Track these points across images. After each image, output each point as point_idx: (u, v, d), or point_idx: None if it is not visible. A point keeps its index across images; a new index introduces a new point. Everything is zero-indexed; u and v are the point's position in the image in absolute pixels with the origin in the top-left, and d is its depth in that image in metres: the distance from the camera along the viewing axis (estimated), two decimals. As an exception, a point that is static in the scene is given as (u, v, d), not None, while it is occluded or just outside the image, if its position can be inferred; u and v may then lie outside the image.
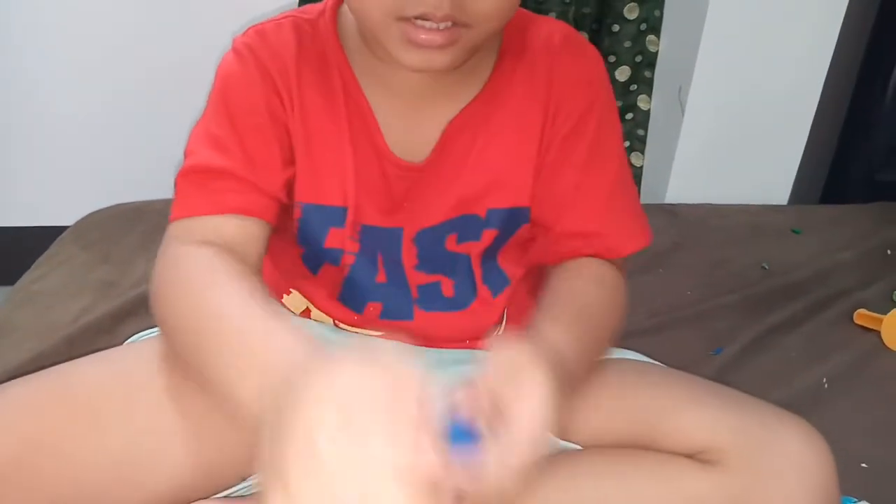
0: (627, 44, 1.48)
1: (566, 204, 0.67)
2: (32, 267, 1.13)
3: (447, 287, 0.71)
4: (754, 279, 1.25)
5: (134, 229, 1.20)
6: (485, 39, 0.60)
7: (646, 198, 1.51)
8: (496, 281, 0.72)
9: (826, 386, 0.99)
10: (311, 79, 0.65)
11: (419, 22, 0.56)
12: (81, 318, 0.99)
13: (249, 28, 0.67)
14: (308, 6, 0.69)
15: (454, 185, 0.67)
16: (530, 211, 0.69)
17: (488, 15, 0.57)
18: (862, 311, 1.14)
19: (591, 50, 0.70)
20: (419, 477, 0.37)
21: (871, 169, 1.64)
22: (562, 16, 1.43)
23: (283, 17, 0.67)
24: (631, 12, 1.46)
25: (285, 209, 0.66)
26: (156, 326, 0.63)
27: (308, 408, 0.38)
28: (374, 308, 0.72)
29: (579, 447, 0.66)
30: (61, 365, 0.64)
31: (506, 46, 0.67)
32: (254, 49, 0.64)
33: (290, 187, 0.66)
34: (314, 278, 0.72)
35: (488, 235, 0.69)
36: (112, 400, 0.60)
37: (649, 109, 1.53)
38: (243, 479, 0.63)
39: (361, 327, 0.73)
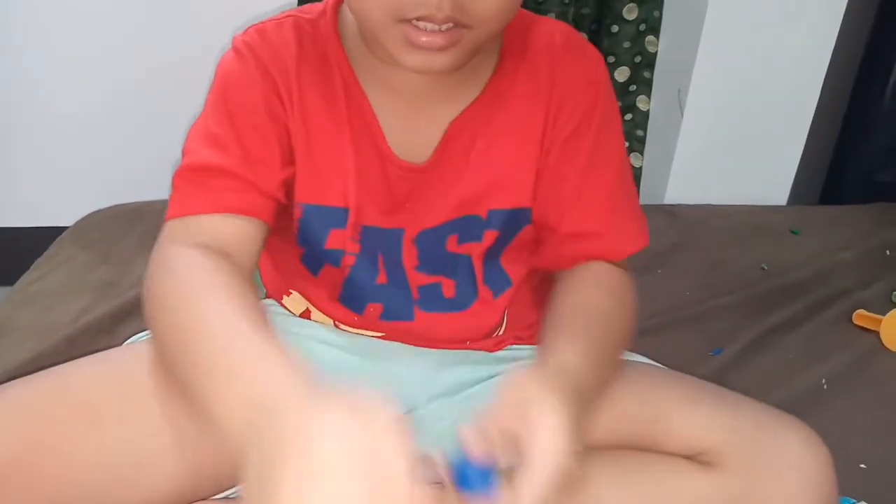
0: (626, 44, 1.48)
1: (568, 205, 0.67)
2: (32, 267, 1.13)
3: (448, 288, 0.71)
4: (753, 280, 1.25)
5: (134, 229, 1.21)
6: (486, 40, 0.60)
7: (645, 198, 1.51)
8: (497, 282, 0.72)
9: (825, 386, 0.99)
10: (312, 79, 0.65)
11: (420, 24, 0.55)
12: (81, 318, 0.99)
13: (250, 27, 0.66)
14: (308, 6, 0.68)
15: (455, 186, 0.67)
16: (532, 212, 0.69)
17: (489, 16, 0.57)
18: (861, 311, 1.14)
19: (593, 51, 0.70)
20: None
21: (869, 169, 1.64)
22: (561, 16, 1.44)
23: (283, 17, 0.67)
24: (630, 13, 1.46)
25: (285, 210, 0.66)
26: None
27: (295, 466, 0.39)
28: (374, 309, 0.72)
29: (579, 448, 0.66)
30: (61, 365, 0.64)
31: (507, 47, 0.67)
32: (254, 48, 0.64)
33: (288, 187, 0.65)
34: (314, 279, 0.72)
35: (489, 236, 0.69)
36: (111, 400, 0.60)
37: (648, 110, 1.53)
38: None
39: (362, 328, 0.73)
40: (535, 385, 0.49)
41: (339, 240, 0.68)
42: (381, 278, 0.70)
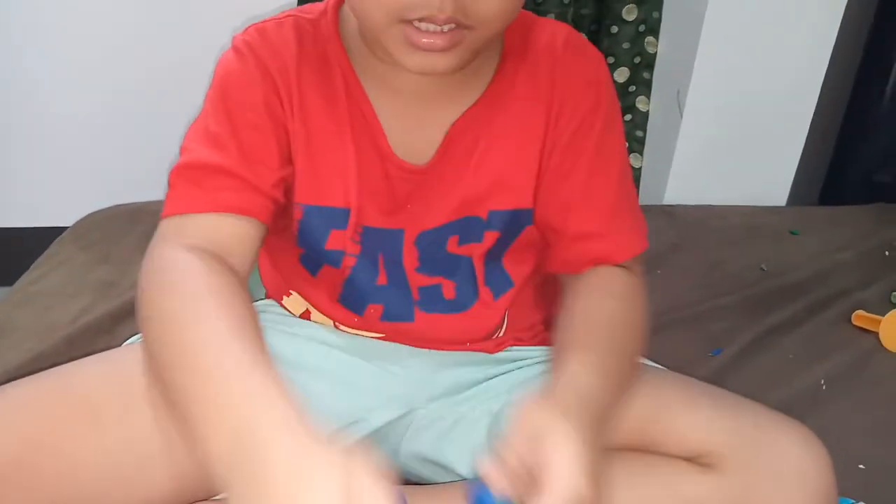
0: (626, 45, 1.48)
1: (572, 206, 0.66)
2: (32, 267, 1.13)
3: (448, 289, 0.71)
4: (753, 280, 1.25)
5: (133, 230, 1.21)
6: (487, 41, 0.59)
7: (644, 199, 1.51)
8: (499, 283, 0.72)
9: (824, 387, 0.99)
10: (312, 79, 0.64)
11: (422, 25, 0.55)
12: (81, 318, 0.99)
13: (249, 26, 0.66)
14: (309, 5, 0.68)
15: (456, 187, 0.67)
16: (533, 212, 0.68)
17: (491, 17, 0.56)
18: (860, 312, 1.14)
19: (594, 51, 0.70)
20: None
21: (869, 170, 1.64)
22: (560, 17, 1.44)
23: (283, 17, 0.67)
24: (629, 14, 1.46)
25: (284, 210, 0.66)
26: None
27: None
28: (374, 310, 0.71)
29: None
30: (61, 366, 0.64)
31: (508, 48, 0.67)
32: (254, 47, 0.64)
33: (286, 187, 0.65)
34: (313, 280, 0.72)
35: (490, 237, 0.69)
36: (112, 400, 0.60)
37: (648, 111, 1.53)
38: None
39: (362, 329, 0.73)
40: (546, 413, 0.49)
41: (339, 241, 0.68)
42: (382, 279, 0.70)
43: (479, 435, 0.70)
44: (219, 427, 0.45)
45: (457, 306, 0.72)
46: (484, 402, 0.72)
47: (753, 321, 1.12)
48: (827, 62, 1.51)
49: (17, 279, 1.10)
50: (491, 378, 0.73)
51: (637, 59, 1.50)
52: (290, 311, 0.76)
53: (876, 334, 1.10)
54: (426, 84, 0.64)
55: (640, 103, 1.52)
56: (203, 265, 0.56)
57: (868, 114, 1.61)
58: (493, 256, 0.71)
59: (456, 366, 0.73)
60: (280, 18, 0.66)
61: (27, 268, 1.13)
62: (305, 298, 0.74)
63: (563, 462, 0.46)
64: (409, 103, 0.66)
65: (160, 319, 0.54)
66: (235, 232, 0.60)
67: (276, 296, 0.77)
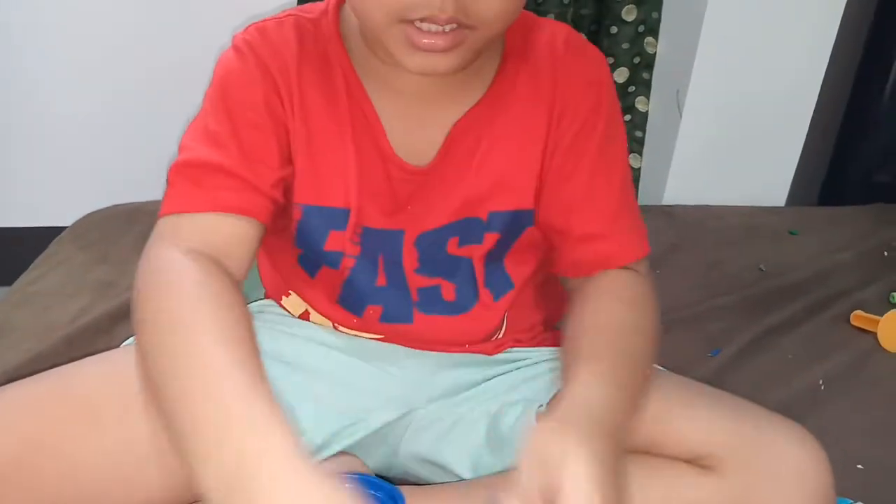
0: (625, 45, 1.48)
1: (575, 207, 0.66)
2: (30, 267, 1.13)
3: (448, 290, 0.71)
4: (751, 280, 1.25)
5: (132, 230, 1.21)
6: (489, 42, 0.59)
7: (644, 199, 1.51)
8: (499, 284, 0.72)
9: (822, 387, 1.00)
10: (313, 79, 0.64)
11: (424, 25, 0.55)
12: (79, 318, 0.99)
13: (250, 25, 0.65)
14: (309, 5, 0.68)
15: (457, 189, 0.67)
16: (534, 213, 0.68)
17: (493, 17, 0.56)
18: (858, 312, 1.14)
19: (596, 52, 0.69)
20: None
21: (868, 170, 1.64)
22: (560, 17, 1.44)
23: (284, 16, 0.66)
24: (629, 14, 1.46)
25: (283, 210, 0.65)
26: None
27: None
28: (373, 311, 0.71)
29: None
30: (60, 367, 0.64)
31: (509, 49, 0.67)
32: (254, 46, 0.63)
33: (285, 187, 0.65)
34: (312, 281, 0.72)
35: (490, 238, 0.69)
36: (111, 401, 0.60)
37: (647, 111, 1.53)
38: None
39: (361, 330, 0.73)
40: (556, 436, 0.49)
41: (338, 241, 0.67)
42: (381, 280, 0.70)
43: (477, 436, 0.70)
44: (214, 452, 0.45)
45: (456, 308, 0.72)
46: (482, 402, 0.72)
47: (752, 321, 1.12)
48: (826, 62, 1.51)
49: (15, 279, 1.10)
50: (490, 379, 0.73)
51: (636, 60, 1.50)
52: (289, 312, 0.76)
53: (874, 334, 1.10)
54: (427, 84, 0.64)
55: (640, 103, 1.52)
56: (199, 270, 0.55)
57: (867, 114, 1.61)
58: (494, 258, 0.70)
59: (455, 367, 0.73)
60: (280, 18, 0.66)
61: (26, 268, 1.12)
62: (304, 299, 0.74)
63: (576, 485, 0.46)
64: (410, 104, 0.65)
65: (154, 323, 0.54)
66: (234, 233, 0.60)
67: (276, 296, 0.77)
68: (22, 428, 0.57)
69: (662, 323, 1.12)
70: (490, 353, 0.74)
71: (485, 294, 0.72)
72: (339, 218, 0.66)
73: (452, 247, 0.69)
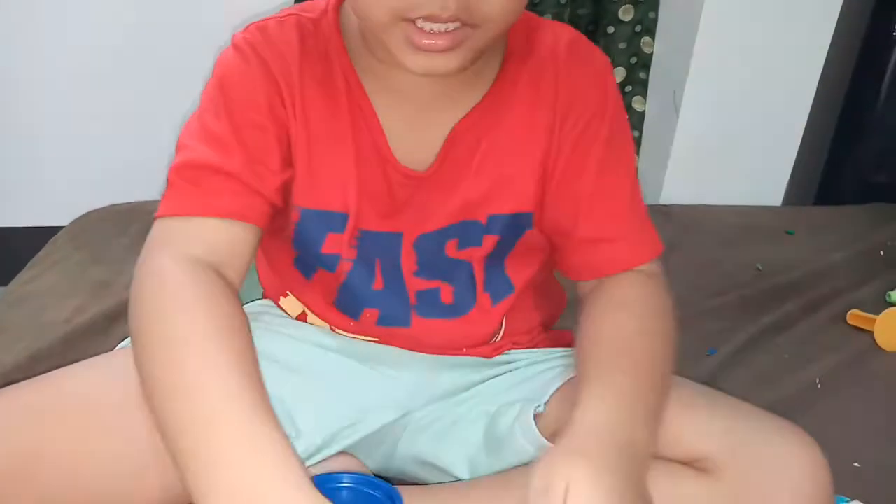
0: (622, 45, 1.48)
1: (582, 208, 0.65)
2: (26, 267, 1.12)
3: (446, 293, 0.70)
4: (748, 280, 1.25)
5: (128, 230, 1.20)
6: (491, 41, 0.58)
7: (641, 199, 1.51)
8: (499, 288, 0.71)
9: (819, 386, 1.00)
10: (314, 80, 0.63)
11: (427, 25, 0.54)
12: (75, 318, 0.99)
13: (250, 24, 0.64)
14: (309, 3, 0.67)
15: (457, 191, 0.66)
16: (533, 216, 0.67)
17: (495, 15, 0.55)
18: (855, 311, 1.14)
19: (599, 54, 0.68)
20: None
21: (864, 170, 1.64)
22: (557, 17, 1.44)
23: (285, 15, 0.65)
24: (626, 14, 1.46)
25: (280, 212, 0.64)
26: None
27: None
28: (370, 314, 0.71)
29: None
30: (55, 372, 0.63)
31: (511, 49, 0.65)
32: (255, 46, 0.62)
33: (285, 191, 0.64)
34: (308, 283, 0.71)
35: (489, 241, 0.68)
36: (107, 405, 0.59)
37: (644, 111, 1.53)
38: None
39: (358, 333, 0.73)
40: (562, 469, 0.49)
41: (335, 244, 0.67)
42: (378, 284, 0.69)
43: (475, 436, 0.70)
44: (217, 476, 0.46)
45: (454, 311, 0.71)
46: (480, 403, 0.71)
47: (749, 321, 1.12)
48: (823, 62, 1.51)
49: (11, 279, 1.10)
50: (487, 380, 0.73)
51: (633, 60, 1.50)
52: (286, 312, 0.75)
53: (871, 333, 1.10)
54: (428, 85, 0.63)
55: (637, 103, 1.52)
56: (198, 281, 0.55)
57: (863, 114, 1.61)
58: (495, 261, 0.70)
59: (452, 368, 0.73)
60: (281, 17, 0.65)
61: (21, 267, 1.12)
62: (301, 301, 0.74)
63: None
64: (410, 104, 0.64)
65: (151, 336, 0.54)
66: (233, 239, 0.59)
67: (274, 296, 0.77)
68: (18, 437, 0.57)
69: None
70: (488, 356, 0.74)
71: (483, 297, 0.71)
72: (337, 221, 0.66)
73: (451, 249, 0.68)
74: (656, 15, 1.47)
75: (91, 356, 0.66)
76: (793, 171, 1.62)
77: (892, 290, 1.23)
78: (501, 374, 0.73)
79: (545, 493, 0.48)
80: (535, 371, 0.72)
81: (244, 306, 0.58)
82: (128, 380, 0.58)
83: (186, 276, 0.55)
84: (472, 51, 0.57)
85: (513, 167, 0.66)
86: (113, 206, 1.29)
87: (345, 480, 0.62)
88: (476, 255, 0.69)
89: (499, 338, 0.74)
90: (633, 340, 0.60)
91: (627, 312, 0.62)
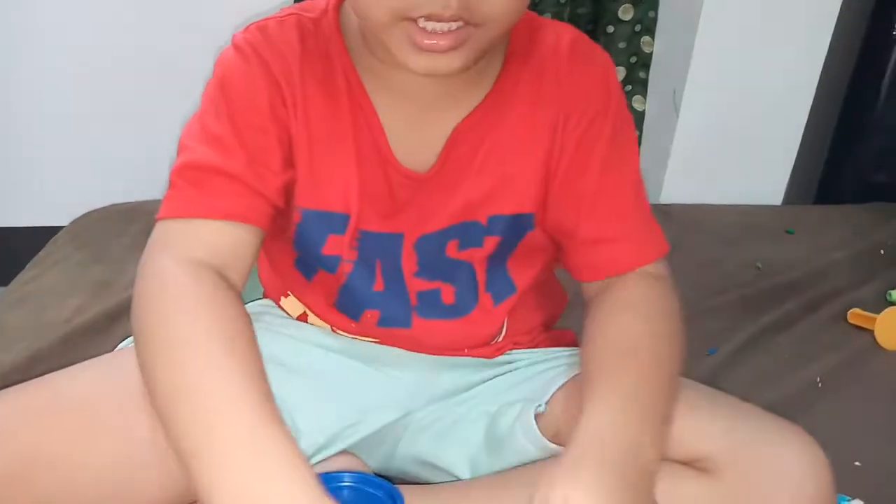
0: (622, 45, 1.48)
1: (585, 208, 0.65)
2: (27, 267, 1.12)
3: (447, 294, 0.70)
4: (749, 279, 1.25)
5: (128, 229, 1.20)
6: (494, 41, 0.57)
7: (641, 198, 1.51)
8: (501, 288, 0.71)
9: (820, 385, 1.00)
10: (315, 80, 0.62)
11: (429, 25, 0.53)
12: (76, 317, 0.99)
13: (251, 24, 0.64)
14: (308, 3, 0.66)
15: (458, 192, 0.65)
16: (534, 217, 0.67)
17: (497, 14, 0.54)
18: (856, 310, 1.14)
19: (601, 53, 0.68)
20: None
21: (864, 170, 1.64)
22: (557, 16, 1.44)
23: (285, 15, 0.65)
24: (625, 13, 1.46)
25: (281, 212, 0.64)
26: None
27: None
28: (371, 316, 0.71)
29: None
30: (52, 374, 0.63)
31: (513, 49, 0.65)
32: (256, 47, 0.62)
33: (287, 192, 0.64)
34: (309, 284, 0.71)
35: (490, 242, 0.68)
36: (107, 407, 0.59)
37: (644, 110, 1.53)
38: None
39: (358, 334, 0.73)
40: (562, 482, 0.49)
41: (336, 246, 0.66)
42: (379, 285, 0.69)
43: (475, 436, 0.70)
44: (222, 477, 0.47)
45: (455, 311, 0.71)
46: (481, 403, 0.71)
47: (749, 320, 1.12)
48: (823, 61, 1.51)
49: (12, 279, 1.10)
50: (488, 380, 0.73)
51: (633, 59, 1.50)
52: (287, 313, 0.75)
53: (871, 332, 1.10)
54: (429, 85, 0.62)
55: (636, 103, 1.52)
56: (201, 284, 0.55)
57: (863, 113, 1.61)
58: (497, 261, 0.70)
59: (453, 368, 0.73)
60: (282, 17, 0.64)
61: (22, 267, 1.12)
62: (302, 301, 0.74)
63: None
64: (411, 105, 0.64)
65: (155, 339, 0.54)
66: (236, 241, 0.59)
67: (274, 296, 0.76)
68: (17, 440, 0.57)
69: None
70: (489, 357, 0.74)
71: (485, 298, 0.71)
72: (338, 222, 0.66)
73: (452, 250, 0.68)
74: (656, 14, 1.47)
75: (91, 356, 0.66)
76: (793, 171, 1.62)
77: (893, 289, 1.23)
78: (502, 374, 0.73)
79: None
80: (536, 371, 0.72)
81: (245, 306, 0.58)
82: (127, 381, 0.58)
83: (188, 278, 0.55)
84: (474, 50, 0.56)
85: (514, 167, 0.65)
86: (113, 205, 1.29)
87: (346, 480, 0.63)
88: (477, 256, 0.69)
89: (500, 338, 0.74)
90: (640, 344, 0.59)
91: (633, 315, 0.62)
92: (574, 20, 1.48)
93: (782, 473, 0.59)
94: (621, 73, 1.50)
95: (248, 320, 0.55)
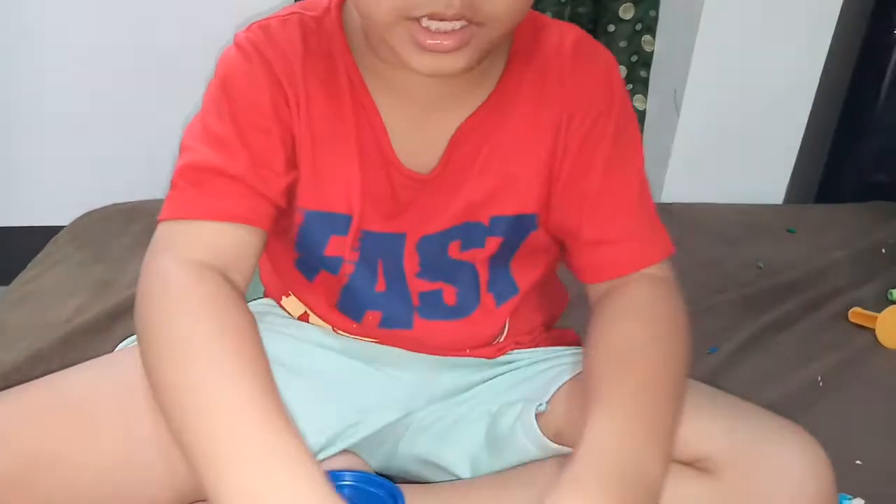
0: (623, 44, 1.48)
1: (588, 209, 0.65)
2: (28, 266, 1.13)
3: (449, 295, 0.70)
4: (750, 278, 1.25)
5: (129, 229, 1.21)
6: (497, 40, 0.57)
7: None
8: (503, 289, 0.71)
9: (821, 384, 1.00)
10: (318, 80, 0.62)
11: (433, 24, 0.53)
12: (77, 317, 0.99)
13: (253, 23, 0.63)
14: (310, 2, 0.66)
15: (460, 193, 0.65)
16: (537, 218, 0.67)
17: (501, 14, 0.54)
18: (857, 309, 1.14)
19: (605, 52, 0.67)
20: None
21: (865, 169, 1.64)
22: (557, 15, 1.44)
23: (288, 14, 0.64)
24: (626, 12, 1.46)
25: (283, 213, 0.64)
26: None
27: None
28: (373, 317, 0.70)
29: None
30: (56, 374, 0.63)
31: (516, 49, 0.64)
32: (258, 46, 0.61)
33: (289, 193, 0.63)
34: (311, 285, 0.71)
35: (493, 243, 0.67)
36: (108, 408, 0.59)
37: (645, 109, 1.53)
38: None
39: (360, 335, 0.72)
40: (565, 499, 0.49)
41: (338, 247, 0.66)
42: (381, 286, 0.69)
43: (476, 435, 0.70)
44: (227, 477, 0.47)
45: (457, 312, 0.71)
46: (482, 403, 0.71)
47: (750, 319, 1.12)
48: (823, 60, 1.51)
49: (13, 278, 1.10)
50: (489, 379, 0.73)
51: (634, 58, 1.50)
52: (288, 312, 0.75)
53: (872, 331, 1.11)
54: (432, 85, 0.62)
55: (637, 102, 1.52)
56: (204, 285, 0.55)
57: (864, 112, 1.61)
58: (499, 262, 0.69)
59: (455, 368, 0.73)
60: (284, 16, 0.64)
61: (23, 267, 1.12)
62: (303, 302, 0.74)
63: None
64: (413, 105, 0.63)
65: (157, 337, 0.54)
66: (239, 243, 0.59)
67: (275, 295, 0.76)
68: (18, 440, 0.57)
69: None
70: (491, 357, 0.73)
71: (487, 299, 0.71)
72: (340, 223, 0.65)
73: (454, 251, 0.68)
74: (657, 13, 1.47)
75: (92, 356, 0.67)
76: (794, 170, 1.62)
77: (894, 287, 1.23)
78: (503, 374, 0.73)
79: None
80: (537, 370, 0.72)
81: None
82: (128, 381, 0.59)
83: (190, 280, 0.55)
84: (478, 50, 0.55)
85: (517, 167, 0.65)
86: (114, 205, 1.29)
87: (347, 479, 0.63)
88: (479, 257, 0.68)
89: (502, 338, 0.74)
90: (644, 352, 0.58)
91: (636, 320, 0.61)
92: (575, 19, 1.48)
93: (783, 473, 0.59)
94: (622, 72, 1.50)
95: (252, 320, 0.55)
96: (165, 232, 0.59)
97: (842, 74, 1.59)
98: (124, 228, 1.21)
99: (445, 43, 0.53)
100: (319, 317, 0.73)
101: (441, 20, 0.52)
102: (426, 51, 0.54)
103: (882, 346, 1.09)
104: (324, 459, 0.69)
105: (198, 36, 1.31)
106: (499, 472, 0.68)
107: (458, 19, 0.52)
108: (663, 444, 0.53)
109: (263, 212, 0.60)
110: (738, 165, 1.58)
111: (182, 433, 0.50)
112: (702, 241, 1.35)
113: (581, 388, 0.60)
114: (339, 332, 0.73)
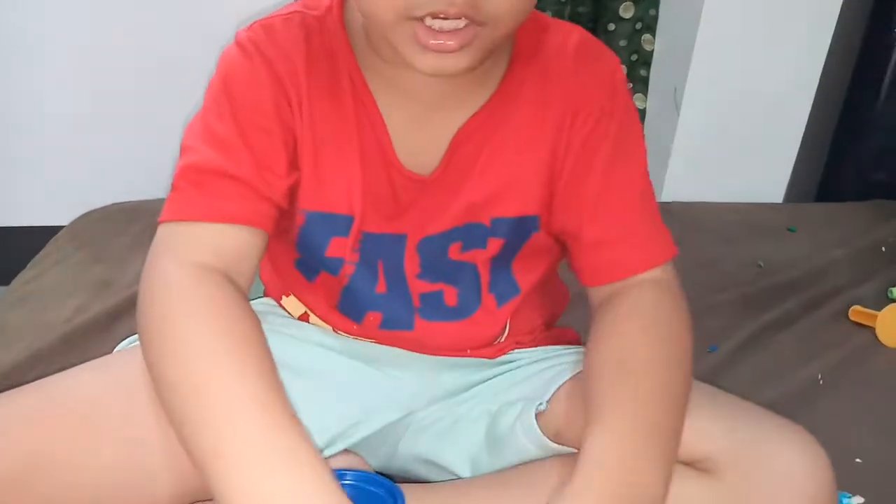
0: (623, 43, 1.48)
1: (589, 210, 0.64)
2: (28, 266, 1.13)
3: (450, 296, 0.70)
4: (750, 277, 1.25)
5: (129, 229, 1.21)
6: (500, 40, 0.56)
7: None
8: (504, 290, 0.70)
9: (821, 382, 1.00)
10: (320, 80, 0.61)
11: (436, 23, 0.52)
12: (77, 317, 0.99)
13: (254, 22, 0.63)
14: (311, 0, 0.65)
15: (461, 194, 0.65)
16: (539, 219, 0.66)
17: (504, 13, 0.53)
18: (857, 307, 1.14)
19: (608, 53, 0.67)
20: None
21: (865, 167, 1.64)
22: (557, 14, 1.44)
23: (290, 13, 0.63)
24: (626, 11, 1.46)
25: (284, 213, 0.63)
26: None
27: None
28: (373, 318, 0.70)
29: (576, 451, 0.65)
30: (53, 376, 0.63)
31: (519, 49, 0.64)
32: (260, 46, 0.61)
33: (291, 194, 0.63)
34: (311, 286, 0.71)
35: (494, 244, 0.67)
36: (109, 409, 0.59)
37: (645, 108, 1.53)
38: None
39: (360, 336, 0.72)
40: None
41: (339, 248, 0.66)
42: (381, 287, 0.69)
43: (476, 435, 0.70)
44: (235, 477, 0.47)
45: (458, 313, 0.70)
46: (482, 402, 0.71)
47: (750, 318, 1.12)
48: (824, 59, 1.51)
49: (12, 278, 1.10)
50: (489, 379, 0.73)
51: (634, 57, 1.50)
52: (288, 312, 0.75)
53: (872, 329, 1.11)
54: (435, 85, 0.61)
55: (637, 101, 1.52)
56: (204, 285, 0.55)
57: (864, 111, 1.61)
58: (501, 263, 0.69)
59: (455, 368, 0.73)
60: (286, 15, 0.63)
61: (23, 267, 1.12)
62: (303, 302, 0.73)
63: None
64: (415, 105, 0.63)
65: (159, 338, 0.54)
66: (241, 245, 0.58)
67: (275, 295, 0.76)
68: (18, 442, 0.57)
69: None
70: (491, 357, 0.73)
71: (488, 299, 0.71)
72: (341, 224, 0.65)
73: (455, 252, 0.68)
74: (657, 12, 1.47)
75: (92, 356, 0.66)
76: (794, 169, 1.62)
77: (894, 286, 1.23)
78: (503, 374, 0.73)
79: None
80: (537, 369, 0.72)
81: (246, 304, 0.58)
82: (128, 382, 0.59)
83: (191, 281, 0.55)
84: (481, 50, 0.55)
85: (519, 168, 0.65)
86: (114, 205, 1.29)
87: (348, 478, 0.63)
88: (480, 258, 0.68)
89: (502, 339, 0.73)
90: (645, 361, 0.58)
91: (637, 326, 0.61)
92: (575, 18, 1.48)
93: (783, 473, 0.59)
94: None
95: (256, 320, 0.55)
96: (167, 233, 0.59)
97: (842, 74, 1.59)
98: (124, 228, 1.21)
99: (448, 43, 0.53)
100: (319, 317, 0.73)
101: (444, 19, 0.52)
102: (429, 51, 0.53)
103: (882, 344, 1.09)
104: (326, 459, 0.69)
105: (198, 36, 1.31)
106: (499, 471, 0.68)
107: (459, 17, 0.52)
108: (665, 458, 0.53)
109: (265, 213, 0.60)
110: (739, 164, 1.58)
111: (185, 432, 0.50)
112: (702, 240, 1.34)
113: (581, 387, 0.60)
114: (340, 333, 0.73)
